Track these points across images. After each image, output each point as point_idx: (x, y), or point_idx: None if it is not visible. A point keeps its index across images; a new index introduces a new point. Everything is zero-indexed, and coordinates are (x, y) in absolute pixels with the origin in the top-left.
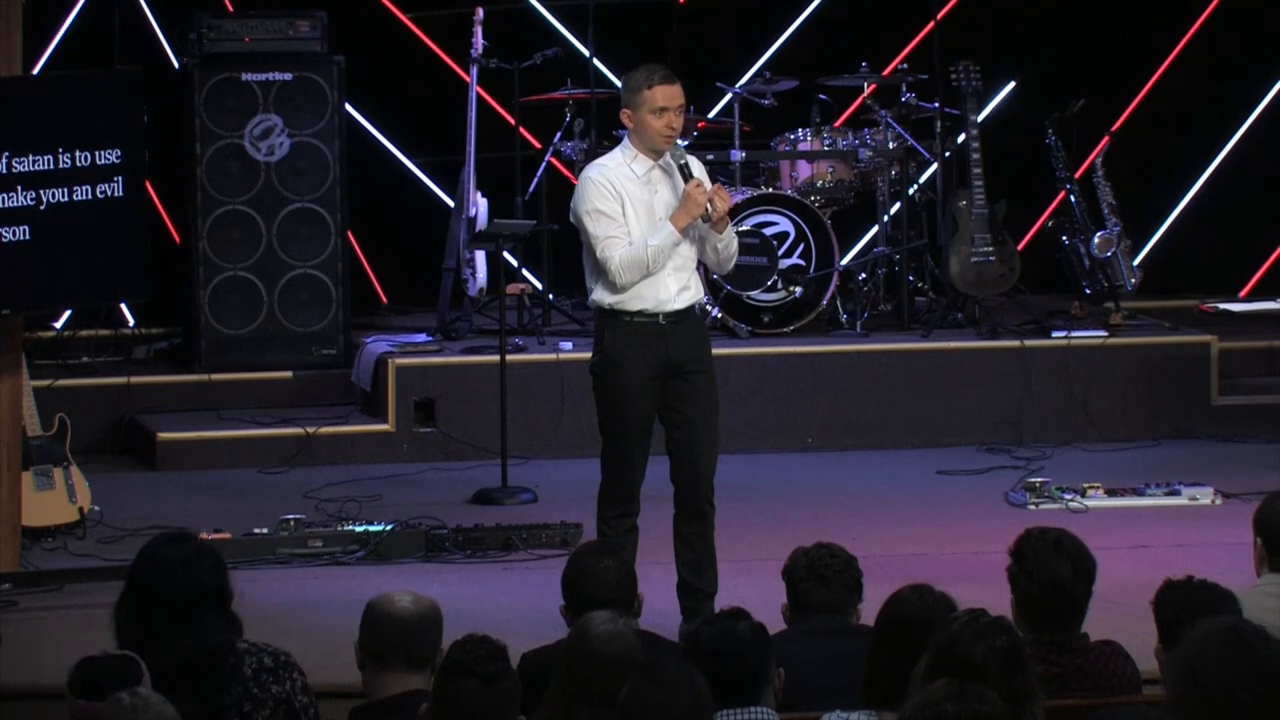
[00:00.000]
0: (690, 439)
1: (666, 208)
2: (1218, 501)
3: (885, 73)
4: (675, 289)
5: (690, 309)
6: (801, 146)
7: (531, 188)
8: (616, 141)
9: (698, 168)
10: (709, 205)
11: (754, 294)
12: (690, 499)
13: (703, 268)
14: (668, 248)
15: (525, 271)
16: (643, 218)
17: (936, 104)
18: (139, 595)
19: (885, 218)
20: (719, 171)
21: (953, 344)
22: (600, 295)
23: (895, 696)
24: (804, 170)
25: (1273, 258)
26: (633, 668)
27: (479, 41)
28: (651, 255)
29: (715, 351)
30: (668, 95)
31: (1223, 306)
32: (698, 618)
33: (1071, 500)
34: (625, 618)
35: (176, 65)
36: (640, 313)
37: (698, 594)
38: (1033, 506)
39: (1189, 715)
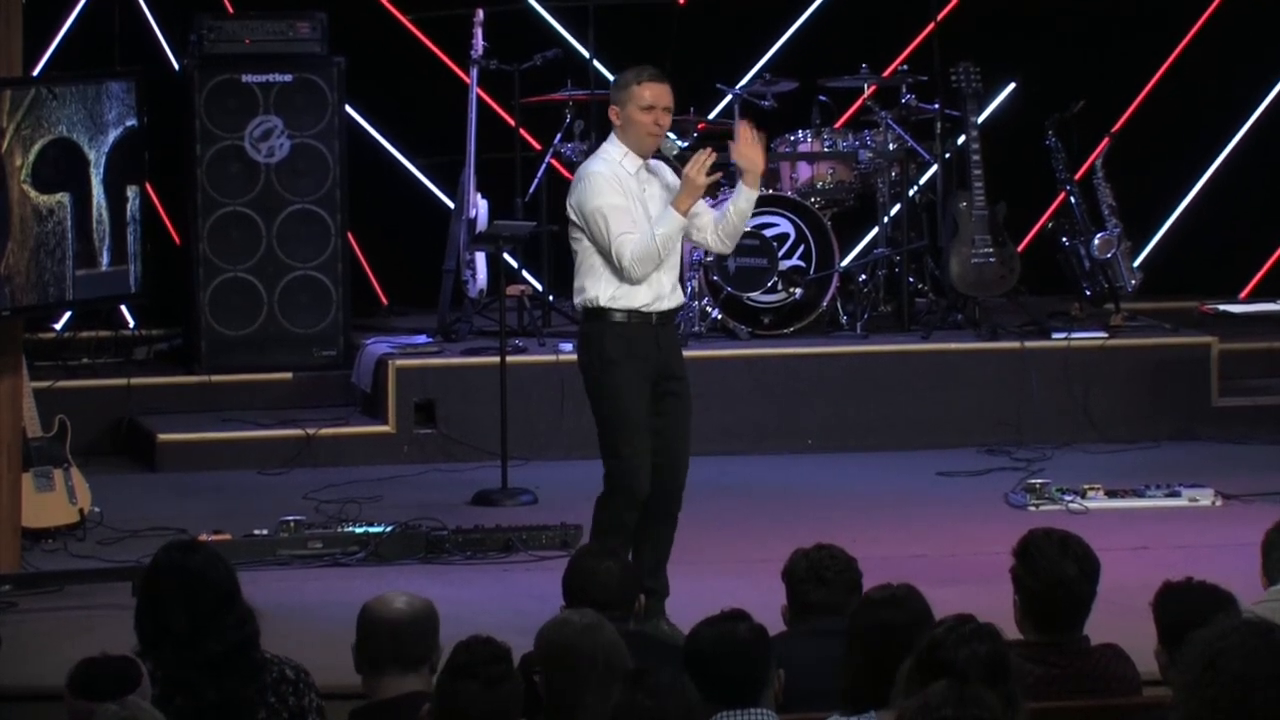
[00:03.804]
0: (670, 448)
1: (658, 204)
2: (1218, 503)
3: (885, 74)
4: (669, 286)
5: (673, 311)
6: (801, 148)
7: (532, 189)
8: None
9: (650, 168)
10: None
11: (754, 295)
12: (663, 503)
13: (702, 270)
14: (675, 234)
15: (525, 273)
16: (640, 214)
17: (936, 105)
18: (171, 605)
19: (885, 219)
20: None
21: (953, 345)
22: (594, 293)
23: (872, 696)
24: (804, 172)
25: (1273, 259)
26: (611, 661)
27: (479, 43)
28: (661, 243)
29: (716, 353)
30: (656, 93)
31: (1223, 308)
32: (654, 618)
33: (1072, 502)
34: (595, 613)
35: (176, 67)
36: (635, 311)
37: (654, 595)
38: (1033, 508)
39: (1202, 706)
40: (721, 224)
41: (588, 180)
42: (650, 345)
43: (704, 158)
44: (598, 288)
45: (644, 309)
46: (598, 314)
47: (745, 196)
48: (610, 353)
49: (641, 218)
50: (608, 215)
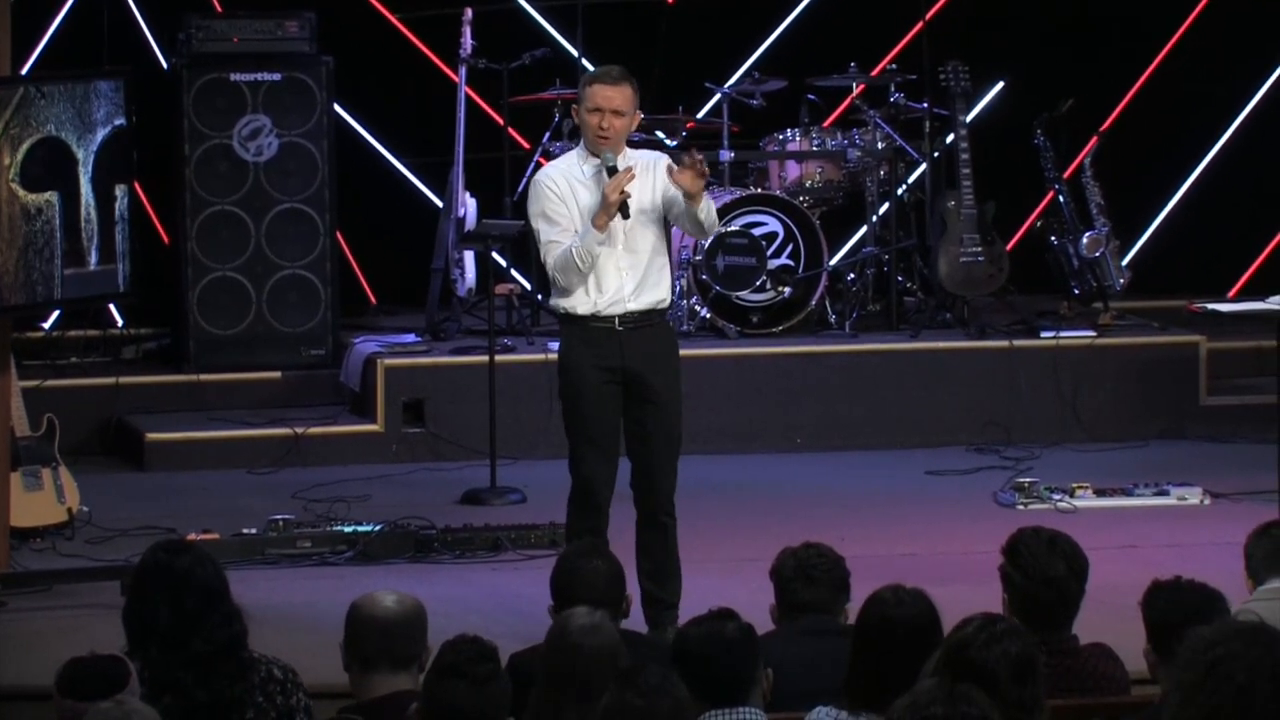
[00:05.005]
0: (649, 455)
1: (634, 198)
2: (1206, 501)
3: (874, 73)
4: (630, 288)
5: (652, 313)
6: (790, 147)
7: (520, 188)
8: None
9: (624, 161)
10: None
11: (743, 294)
12: (647, 510)
13: (691, 269)
14: (591, 247)
15: (514, 272)
16: (587, 218)
17: (925, 104)
18: (158, 605)
19: (874, 218)
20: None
21: (941, 344)
22: (556, 299)
23: (874, 697)
24: (793, 170)
25: (1261, 258)
26: (614, 660)
27: (467, 42)
28: (577, 256)
29: (705, 352)
30: (604, 96)
31: (1211, 307)
32: (662, 627)
33: (1060, 500)
34: (603, 612)
35: (165, 65)
36: (594, 316)
37: (659, 604)
38: (1021, 507)
39: (1199, 711)
40: (689, 226)
41: (531, 188)
42: (614, 349)
43: (623, 178)
44: (556, 292)
45: (603, 312)
46: (562, 319)
47: (689, 213)
48: (567, 358)
49: (588, 221)
50: (538, 224)
